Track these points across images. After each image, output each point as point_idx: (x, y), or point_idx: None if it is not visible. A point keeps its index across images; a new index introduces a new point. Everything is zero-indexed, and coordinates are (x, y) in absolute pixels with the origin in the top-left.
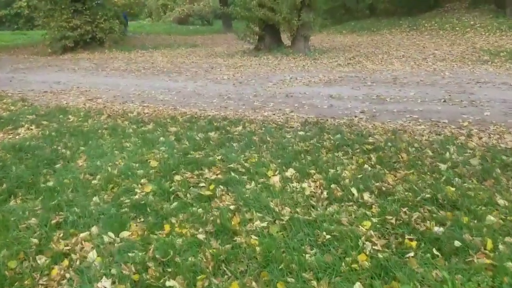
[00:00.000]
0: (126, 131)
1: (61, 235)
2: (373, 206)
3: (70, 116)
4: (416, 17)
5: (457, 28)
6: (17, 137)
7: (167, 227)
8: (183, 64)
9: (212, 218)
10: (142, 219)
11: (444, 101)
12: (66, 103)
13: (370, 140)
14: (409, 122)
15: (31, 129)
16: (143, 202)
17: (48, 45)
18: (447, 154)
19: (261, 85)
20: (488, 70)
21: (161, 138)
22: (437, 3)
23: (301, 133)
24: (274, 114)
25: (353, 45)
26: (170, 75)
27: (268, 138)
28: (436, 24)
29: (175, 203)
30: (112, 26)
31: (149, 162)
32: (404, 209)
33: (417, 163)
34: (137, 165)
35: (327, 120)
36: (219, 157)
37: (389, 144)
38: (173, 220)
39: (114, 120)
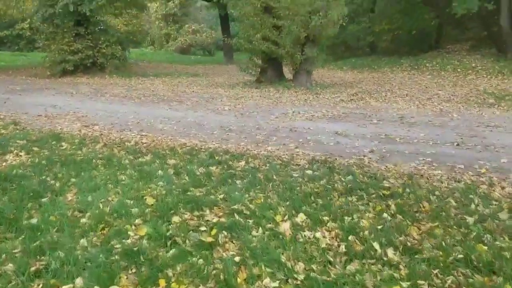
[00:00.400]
0: (122, 162)
1: (40, 286)
2: (400, 265)
3: (63, 143)
4: (417, 56)
5: (459, 70)
6: (4, 164)
7: (162, 282)
8: (184, 93)
9: (214, 272)
10: (134, 270)
11: (457, 144)
12: (60, 128)
13: (386, 184)
14: (424, 166)
15: (20, 155)
16: (136, 248)
17: (48, 68)
18: (472, 205)
19: (263, 117)
20: (495, 113)
21: (159, 172)
22: (438, 44)
23: (308, 172)
24: (278, 150)
25: (354, 82)
26: (171, 104)
27: (274, 176)
28: (437, 65)
29: (172, 251)
30: (114, 52)
31: (145, 199)
32: (436, 271)
33: (441, 214)
34: (131, 202)
35: (336, 159)
36: (222, 196)
37: (407, 190)
38: (170, 272)
39: (110, 150)
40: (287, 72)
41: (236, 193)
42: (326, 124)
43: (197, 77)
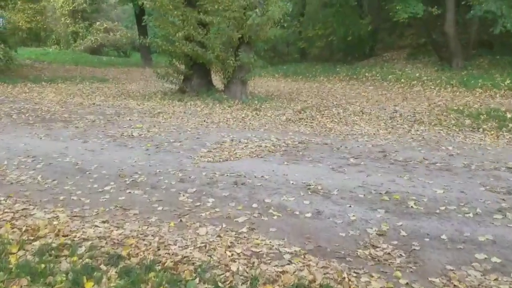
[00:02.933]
0: None
1: None
2: None
3: None
4: (352, 65)
5: (402, 80)
6: None
7: None
8: (79, 107)
9: None
10: None
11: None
12: None
13: None
14: (489, 279)
15: None
16: None
17: None
18: None
19: (189, 152)
20: (486, 141)
21: None
22: (373, 51)
23: None
24: (220, 237)
25: (292, 93)
26: (52, 126)
27: None
28: (378, 74)
29: None
30: None
31: None
32: None
33: None
34: None
35: (344, 278)
36: None
37: None
38: None
39: None
40: (217, 80)
41: None
42: (285, 165)
43: (105, 83)
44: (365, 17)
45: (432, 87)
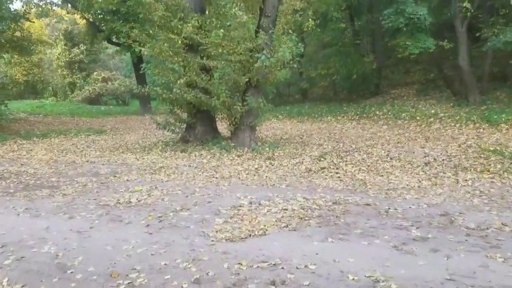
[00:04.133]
0: None
1: None
2: None
3: None
4: (359, 103)
5: (418, 118)
6: None
7: None
8: (71, 166)
9: None
10: None
11: None
12: None
13: None
14: None
15: None
16: None
17: None
18: None
19: (201, 226)
20: None
21: None
22: (378, 89)
23: None
24: None
25: (302, 135)
26: (35, 195)
27: None
28: (389, 113)
29: None
30: None
31: None
32: None
33: None
34: None
35: None
36: None
37: None
38: None
39: None
40: (223, 127)
41: None
42: (330, 244)
43: (102, 135)
44: (367, 55)
45: (452, 124)
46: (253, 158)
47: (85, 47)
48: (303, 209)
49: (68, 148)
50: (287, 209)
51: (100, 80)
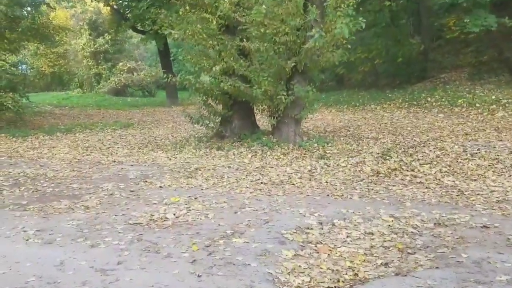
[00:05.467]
0: None
1: None
2: None
3: None
4: (405, 89)
5: (477, 105)
6: None
7: None
8: (96, 168)
9: None
10: None
11: None
12: None
13: None
14: None
15: None
16: None
17: None
18: None
19: (263, 264)
20: None
21: None
22: (425, 73)
23: None
24: None
25: (348, 127)
26: (51, 210)
27: None
28: (443, 99)
29: None
30: (3, 101)
31: None
32: None
33: None
34: None
35: None
36: None
37: None
38: None
39: None
40: (261, 120)
41: None
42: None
43: (129, 129)
44: (412, 36)
45: None
46: (302, 157)
47: (109, 37)
48: (396, 233)
49: (93, 145)
50: (372, 234)
51: (125, 70)
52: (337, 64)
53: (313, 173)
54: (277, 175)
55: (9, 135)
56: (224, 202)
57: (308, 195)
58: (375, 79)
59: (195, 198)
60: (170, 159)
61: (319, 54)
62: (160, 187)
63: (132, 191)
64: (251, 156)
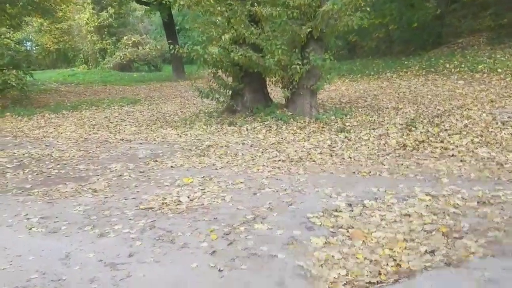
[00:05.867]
0: None
1: None
2: None
3: None
4: (422, 56)
5: (499, 70)
6: None
7: None
8: (103, 147)
9: None
10: None
11: None
12: None
13: None
14: None
15: None
16: None
17: None
18: None
19: (292, 255)
20: None
21: None
22: (441, 39)
23: None
24: None
25: (365, 97)
26: (56, 194)
27: None
28: (463, 65)
29: None
30: (7, 79)
31: None
32: None
33: None
34: None
35: None
36: None
37: None
38: None
39: None
40: (275, 92)
41: None
42: None
43: (137, 105)
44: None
45: None
46: (320, 131)
47: (113, 10)
48: (436, 214)
49: (100, 122)
50: (409, 215)
51: (130, 45)
52: (355, 29)
53: (333, 147)
54: (295, 151)
55: (14, 114)
56: (241, 182)
57: (331, 172)
58: (389, 46)
59: (209, 179)
60: (180, 136)
61: (336, 18)
62: (172, 166)
63: (142, 171)
64: (266, 131)
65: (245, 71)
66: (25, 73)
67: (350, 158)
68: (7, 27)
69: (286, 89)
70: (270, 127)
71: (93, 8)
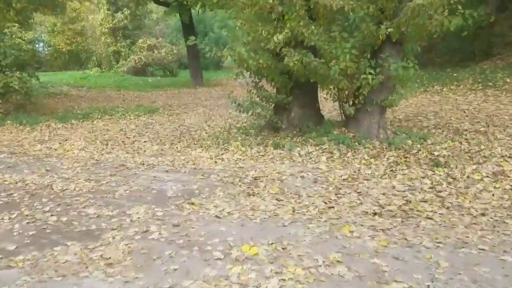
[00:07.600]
0: None
1: None
2: None
3: None
4: (472, 68)
5: None
6: None
7: None
8: (119, 175)
9: None
10: None
11: None
12: None
13: None
14: None
15: None
16: None
17: None
18: None
19: None
20: None
21: None
22: (491, 49)
23: None
24: None
25: (424, 114)
26: (46, 273)
27: None
28: None
29: None
30: (9, 82)
31: None
32: None
33: None
34: None
35: None
36: None
37: None
38: None
39: None
40: (325, 107)
41: None
42: None
43: (155, 115)
44: (481, 5)
45: None
46: (405, 162)
47: (129, 11)
48: None
49: (114, 137)
50: None
51: (145, 48)
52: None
53: (439, 192)
54: (383, 194)
55: (15, 122)
56: (338, 261)
57: (472, 252)
58: (430, 55)
59: (282, 248)
60: (215, 161)
61: (430, 16)
62: (217, 216)
63: (176, 225)
64: (327, 158)
65: (295, 81)
66: (30, 76)
67: (477, 211)
68: (15, 24)
69: (348, 104)
70: (331, 153)
71: (108, 9)
